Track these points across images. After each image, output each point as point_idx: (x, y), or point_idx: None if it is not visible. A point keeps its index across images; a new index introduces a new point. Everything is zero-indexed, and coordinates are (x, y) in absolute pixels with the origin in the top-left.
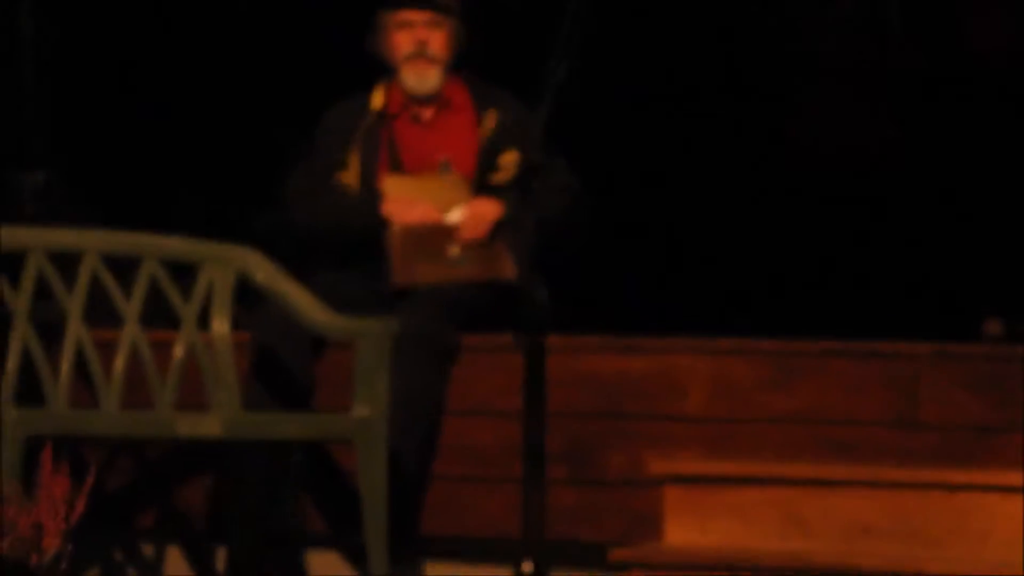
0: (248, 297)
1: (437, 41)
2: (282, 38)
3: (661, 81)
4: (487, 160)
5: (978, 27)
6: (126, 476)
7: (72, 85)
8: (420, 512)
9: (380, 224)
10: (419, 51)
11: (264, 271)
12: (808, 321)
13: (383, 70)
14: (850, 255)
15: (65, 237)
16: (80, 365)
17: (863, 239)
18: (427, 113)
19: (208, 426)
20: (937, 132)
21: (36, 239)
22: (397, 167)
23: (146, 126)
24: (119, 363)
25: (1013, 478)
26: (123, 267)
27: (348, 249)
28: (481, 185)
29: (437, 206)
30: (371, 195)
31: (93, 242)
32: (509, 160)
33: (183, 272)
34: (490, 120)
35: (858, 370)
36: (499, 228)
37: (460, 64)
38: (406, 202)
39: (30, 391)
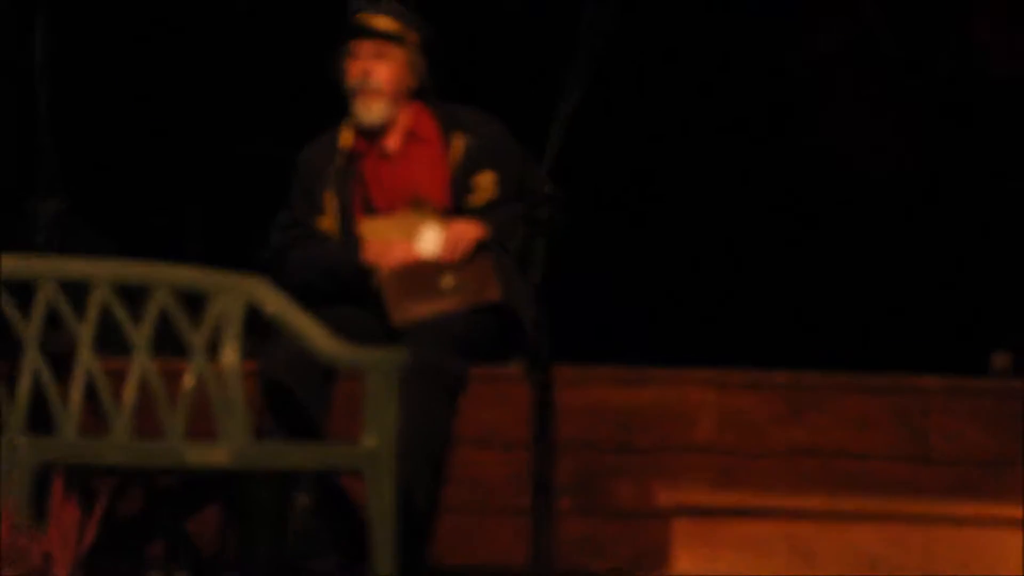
0: (259, 327)
1: (381, 72)
2: (292, 64)
3: (672, 109)
4: (460, 185)
5: (995, 49)
6: (136, 505)
7: (85, 113)
8: (429, 543)
9: (364, 272)
10: (361, 83)
11: (274, 301)
12: (818, 354)
13: None
14: (860, 288)
15: (76, 266)
16: (90, 394)
17: (872, 273)
18: (393, 146)
19: (217, 456)
20: (949, 165)
21: (47, 268)
22: (369, 206)
23: (158, 153)
24: (129, 392)
25: (1021, 512)
26: (134, 294)
27: (341, 295)
28: (459, 210)
29: (415, 242)
30: (350, 243)
31: (104, 272)
32: (485, 181)
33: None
34: (458, 144)
35: (868, 403)
36: (483, 248)
37: (443, 93)
38: (384, 245)
39: (40, 419)
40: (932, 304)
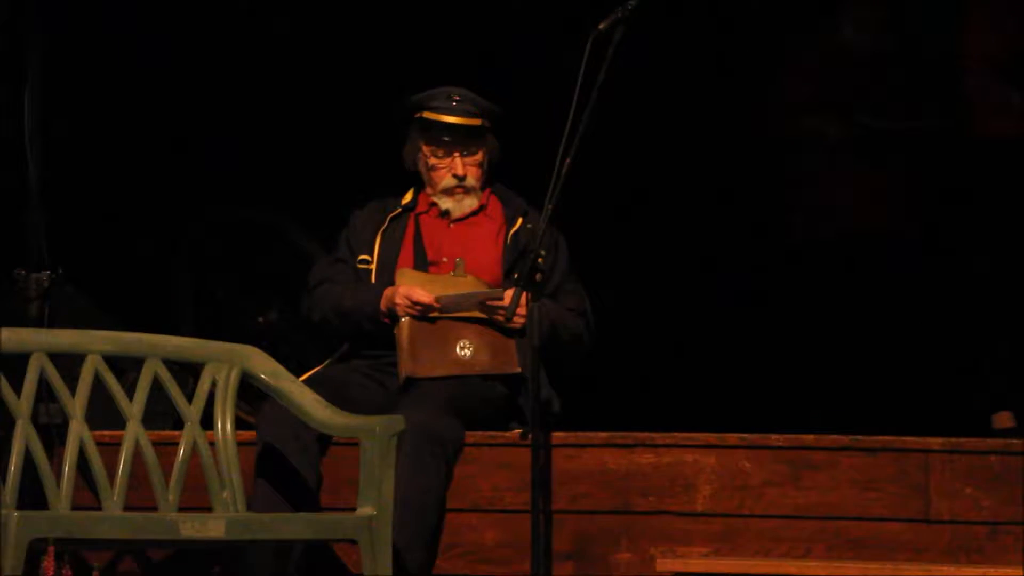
0: (252, 395)
1: (472, 171)
2: (283, 130)
3: (664, 176)
4: (512, 264)
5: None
6: None
7: (75, 181)
8: None
9: (377, 321)
10: (456, 184)
11: (267, 370)
12: (817, 416)
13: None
14: (858, 349)
15: (68, 338)
16: (83, 464)
17: (870, 333)
18: (458, 214)
19: (212, 528)
20: (946, 225)
21: (39, 340)
22: (420, 256)
23: (149, 220)
24: (122, 465)
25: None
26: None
27: (358, 337)
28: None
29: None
30: (372, 291)
31: (95, 343)
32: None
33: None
34: (519, 226)
35: (868, 465)
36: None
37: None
38: (407, 287)
39: (32, 492)
40: (932, 364)
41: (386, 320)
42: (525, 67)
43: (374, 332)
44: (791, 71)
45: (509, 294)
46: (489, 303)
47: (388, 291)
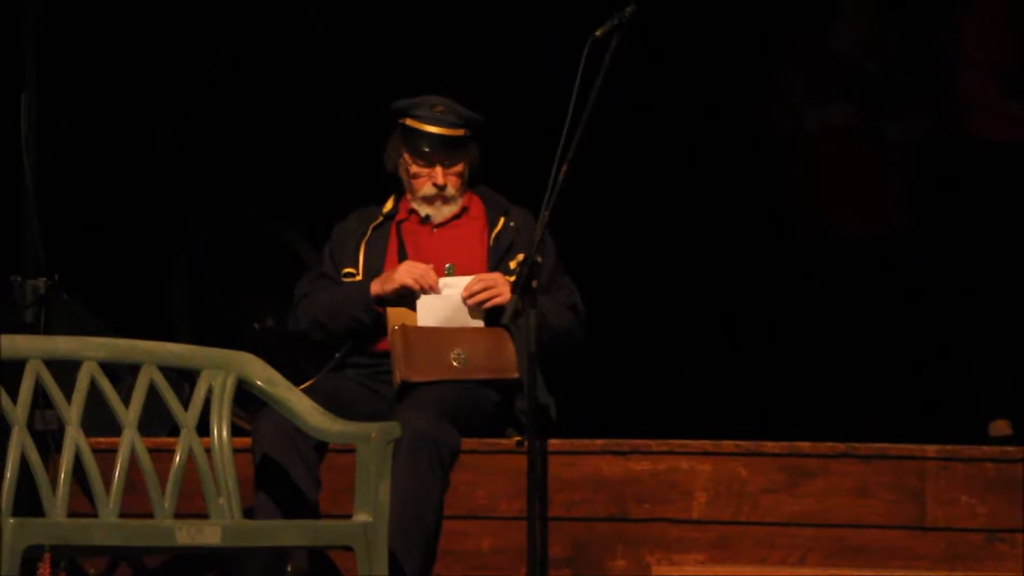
0: (249, 402)
1: (453, 180)
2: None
3: (660, 185)
4: (498, 261)
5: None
6: None
7: (74, 190)
8: None
9: (370, 310)
10: (437, 194)
11: (264, 377)
12: (813, 423)
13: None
14: (854, 356)
15: (64, 345)
16: (79, 471)
17: (866, 340)
18: (439, 219)
19: (208, 535)
20: (945, 229)
21: (34, 347)
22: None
23: (144, 226)
24: (117, 472)
25: None
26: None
27: (349, 336)
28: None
29: (440, 311)
30: (361, 283)
31: (91, 350)
32: (518, 262)
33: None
34: (500, 224)
35: (864, 472)
36: (504, 326)
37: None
38: (410, 264)
39: (28, 499)
40: (928, 371)
41: (378, 308)
42: (522, 72)
43: (366, 329)
44: (788, 67)
45: (492, 277)
46: (477, 296)
47: (379, 277)
